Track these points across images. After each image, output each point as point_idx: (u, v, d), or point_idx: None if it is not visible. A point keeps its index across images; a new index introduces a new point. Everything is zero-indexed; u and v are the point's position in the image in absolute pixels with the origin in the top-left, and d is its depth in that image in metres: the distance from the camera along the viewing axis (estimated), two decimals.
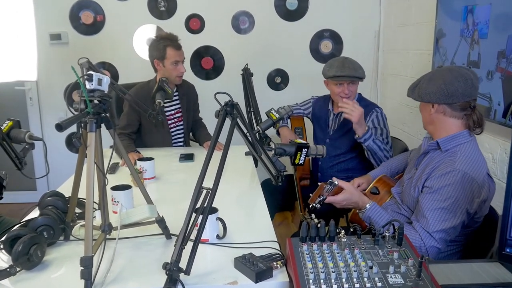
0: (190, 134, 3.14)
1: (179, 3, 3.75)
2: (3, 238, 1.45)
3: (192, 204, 1.27)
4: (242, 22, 3.87)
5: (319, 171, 2.61)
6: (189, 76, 3.73)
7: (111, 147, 2.94)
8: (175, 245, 1.23)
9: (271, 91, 4.00)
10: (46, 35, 3.69)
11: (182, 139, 3.01)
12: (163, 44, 2.68)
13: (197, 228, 1.27)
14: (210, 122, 3.13)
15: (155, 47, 2.72)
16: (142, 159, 2.23)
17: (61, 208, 1.62)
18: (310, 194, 1.63)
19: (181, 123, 2.96)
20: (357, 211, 1.67)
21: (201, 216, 1.27)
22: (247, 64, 2.72)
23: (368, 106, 2.48)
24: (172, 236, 1.54)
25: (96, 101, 1.32)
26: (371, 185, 1.89)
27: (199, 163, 2.54)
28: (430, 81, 1.57)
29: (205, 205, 1.28)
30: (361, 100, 2.54)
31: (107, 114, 1.35)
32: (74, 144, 1.31)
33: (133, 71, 3.72)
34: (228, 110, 1.37)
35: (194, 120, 3.09)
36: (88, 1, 3.69)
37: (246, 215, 1.88)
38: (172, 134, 2.94)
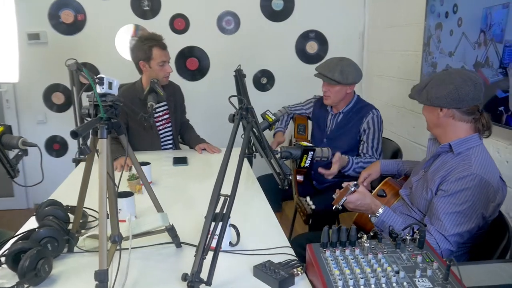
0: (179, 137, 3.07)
1: (163, 3, 3.68)
2: (4, 252, 1.37)
3: (211, 212, 1.23)
4: (227, 23, 3.82)
5: (313, 170, 2.61)
6: (174, 77, 3.66)
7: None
8: (195, 256, 1.19)
9: (257, 92, 3.97)
10: (24, 34, 3.53)
11: (171, 142, 2.94)
12: (148, 45, 2.60)
13: (216, 236, 1.22)
14: (196, 124, 3.09)
15: (140, 48, 2.62)
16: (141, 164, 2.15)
17: (62, 218, 1.54)
18: (334, 196, 1.62)
19: (170, 125, 2.89)
20: (369, 216, 1.65)
21: (214, 224, 1.23)
22: (239, 66, 2.67)
23: (365, 108, 2.52)
24: (182, 244, 1.49)
25: (107, 106, 1.25)
26: (377, 187, 1.88)
27: (193, 167, 2.53)
28: (440, 85, 1.55)
29: (224, 212, 1.24)
30: (358, 102, 2.57)
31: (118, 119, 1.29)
32: (84, 151, 1.24)
33: (116, 72, 3.57)
34: (244, 114, 1.33)
35: (181, 122, 3.02)
36: None
37: (252, 220, 1.83)
38: (161, 136, 2.86)
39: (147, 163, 2.15)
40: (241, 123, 1.38)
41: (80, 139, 2.62)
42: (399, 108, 3.38)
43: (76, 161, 2.53)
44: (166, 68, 2.67)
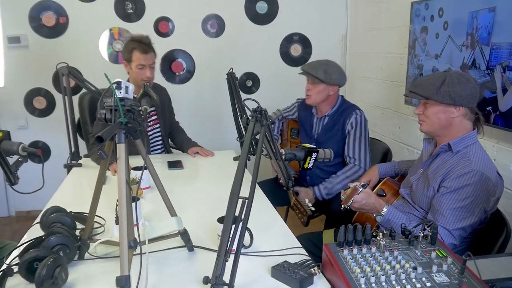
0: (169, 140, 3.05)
1: (147, 6, 3.64)
2: (12, 260, 1.34)
3: (231, 214, 1.23)
4: (212, 26, 3.82)
5: (308, 175, 2.64)
6: (159, 80, 3.63)
7: (85, 156, 2.80)
8: (217, 259, 1.19)
9: (243, 95, 3.97)
10: (4, 38, 3.43)
11: (160, 145, 2.91)
12: (131, 47, 2.60)
13: (236, 239, 1.23)
14: (183, 127, 3.08)
15: (125, 48, 2.65)
16: (136, 168, 2.13)
17: (69, 225, 1.52)
18: (342, 197, 1.65)
19: (158, 125, 2.86)
20: (374, 215, 1.69)
21: (235, 226, 1.23)
22: (231, 69, 2.68)
23: (347, 109, 2.53)
24: (194, 248, 1.49)
25: (125, 111, 1.24)
26: (377, 187, 1.93)
27: (189, 171, 2.52)
28: (459, 84, 1.57)
29: (243, 215, 1.25)
30: (342, 104, 2.58)
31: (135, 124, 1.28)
32: (101, 156, 1.22)
33: (100, 75, 3.53)
34: (258, 117, 1.35)
35: (171, 124, 3.00)
36: (49, 2, 3.48)
37: (260, 221, 1.82)
38: (150, 138, 2.84)
39: (144, 168, 2.12)
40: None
41: (73, 146, 2.61)
42: (383, 109, 3.46)
43: (68, 167, 2.48)
44: (144, 72, 2.61)
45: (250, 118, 1.35)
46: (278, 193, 2.64)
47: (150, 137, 2.84)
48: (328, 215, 2.65)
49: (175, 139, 3.00)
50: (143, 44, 2.61)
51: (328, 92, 2.49)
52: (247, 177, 1.29)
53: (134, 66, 2.60)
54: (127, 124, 1.25)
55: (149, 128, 2.82)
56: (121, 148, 1.22)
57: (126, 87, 1.24)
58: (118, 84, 1.21)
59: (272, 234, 1.66)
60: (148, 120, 2.80)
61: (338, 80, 2.48)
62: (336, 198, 2.42)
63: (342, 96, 2.64)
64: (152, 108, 2.82)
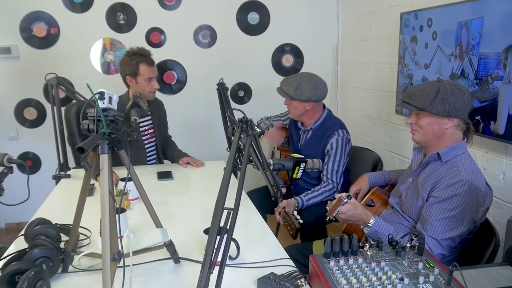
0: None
1: (139, 16, 3.64)
2: None
3: (215, 225, 1.22)
4: (204, 36, 3.83)
5: (292, 184, 2.63)
6: None
7: (73, 168, 2.77)
8: (201, 271, 1.17)
9: (235, 105, 3.98)
10: None
11: (155, 156, 2.91)
12: (136, 61, 2.57)
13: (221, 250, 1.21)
14: (174, 137, 3.08)
15: (127, 63, 2.59)
16: (124, 179, 2.11)
17: (53, 237, 1.49)
18: (327, 208, 1.63)
19: (154, 139, 2.86)
20: (361, 227, 1.67)
21: (219, 237, 1.22)
22: (222, 79, 2.68)
23: (332, 127, 2.47)
24: (180, 259, 1.47)
25: (108, 121, 1.23)
26: (366, 197, 1.92)
27: (178, 181, 2.50)
28: (453, 95, 1.56)
29: (228, 226, 1.23)
30: (328, 119, 2.53)
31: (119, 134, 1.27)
32: (84, 167, 1.21)
33: (92, 86, 3.54)
34: (244, 127, 1.34)
35: (164, 137, 3.00)
36: (40, 12, 3.47)
37: (247, 232, 1.82)
38: (147, 150, 2.83)
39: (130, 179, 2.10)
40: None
41: (61, 157, 2.59)
42: (375, 119, 3.47)
43: (57, 178, 2.46)
44: (152, 84, 2.64)
45: (235, 128, 1.34)
46: (269, 202, 2.62)
47: (147, 149, 2.84)
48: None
49: (167, 152, 2.99)
50: (148, 57, 2.61)
51: (304, 108, 2.44)
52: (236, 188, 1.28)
53: (141, 80, 2.59)
54: (111, 135, 1.24)
55: (146, 141, 2.81)
56: (104, 159, 1.21)
57: (110, 97, 1.23)
58: (101, 94, 1.20)
59: (261, 245, 1.64)
60: (146, 133, 2.80)
61: (310, 96, 2.39)
62: (307, 210, 2.38)
63: (329, 110, 2.60)
64: (150, 122, 2.82)
